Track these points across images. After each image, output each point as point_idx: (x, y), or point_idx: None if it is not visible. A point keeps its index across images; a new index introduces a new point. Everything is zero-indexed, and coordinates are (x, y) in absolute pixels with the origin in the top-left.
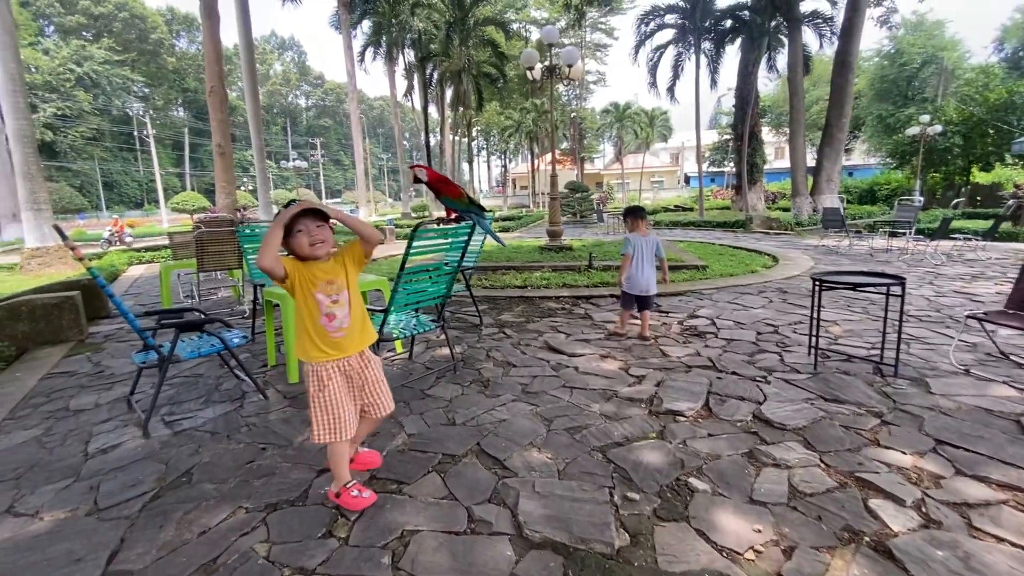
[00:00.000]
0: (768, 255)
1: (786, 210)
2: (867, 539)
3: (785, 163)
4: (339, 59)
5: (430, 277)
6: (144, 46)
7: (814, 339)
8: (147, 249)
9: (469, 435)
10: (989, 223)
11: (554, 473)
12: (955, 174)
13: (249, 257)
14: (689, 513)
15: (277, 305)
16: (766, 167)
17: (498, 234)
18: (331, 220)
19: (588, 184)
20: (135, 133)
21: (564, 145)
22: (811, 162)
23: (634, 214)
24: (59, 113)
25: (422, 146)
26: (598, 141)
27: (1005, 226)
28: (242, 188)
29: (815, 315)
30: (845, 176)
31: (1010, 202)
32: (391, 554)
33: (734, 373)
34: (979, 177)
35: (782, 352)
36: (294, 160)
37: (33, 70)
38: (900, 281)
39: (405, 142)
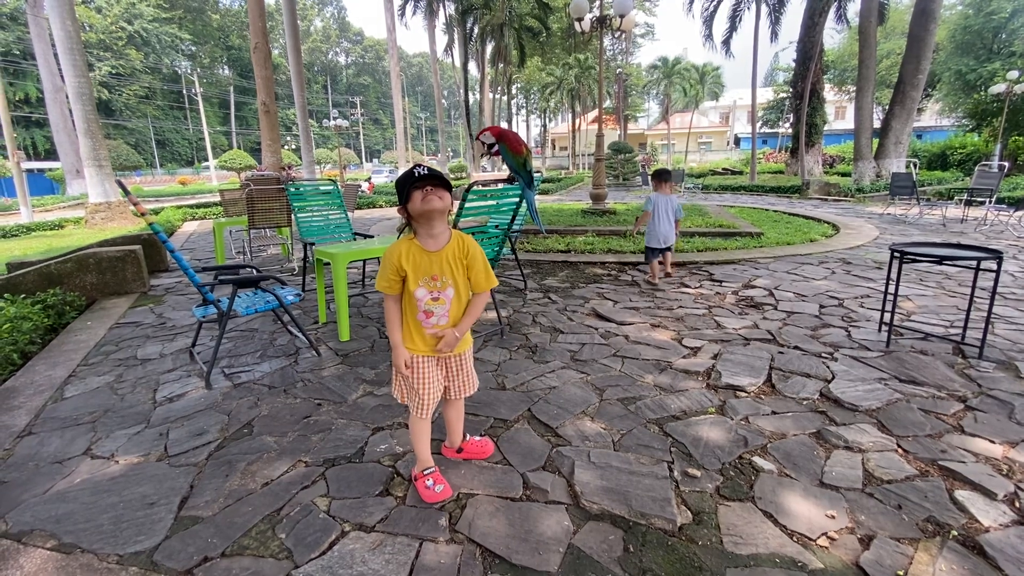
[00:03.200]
0: (828, 223)
1: (845, 175)
2: (954, 532)
3: (845, 124)
4: (379, 14)
5: (481, 240)
6: (190, 2)
7: (887, 314)
8: (199, 205)
9: (519, 400)
10: None
11: (609, 444)
12: None
13: (298, 215)
14: (755, 493)
15: (328, 264)
16: (825, 128)
17: (538, 196)
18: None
19: (631, 145)
20: (184, 91)
21: (608, 104)
22: (876, 123)
23: (658, 176)
24: (113, 72)
25: (460, 104)
26: (643, 99)
27: None
28: (285, 147)
29: (893, 289)
30: (913, 139)
31: None
32: (448, 516)
33: (797, 348)
34: None
35: (849, 327)
36: (335, 119)
37: (88, 28)
38: (996, 255)
39: (444, 100)
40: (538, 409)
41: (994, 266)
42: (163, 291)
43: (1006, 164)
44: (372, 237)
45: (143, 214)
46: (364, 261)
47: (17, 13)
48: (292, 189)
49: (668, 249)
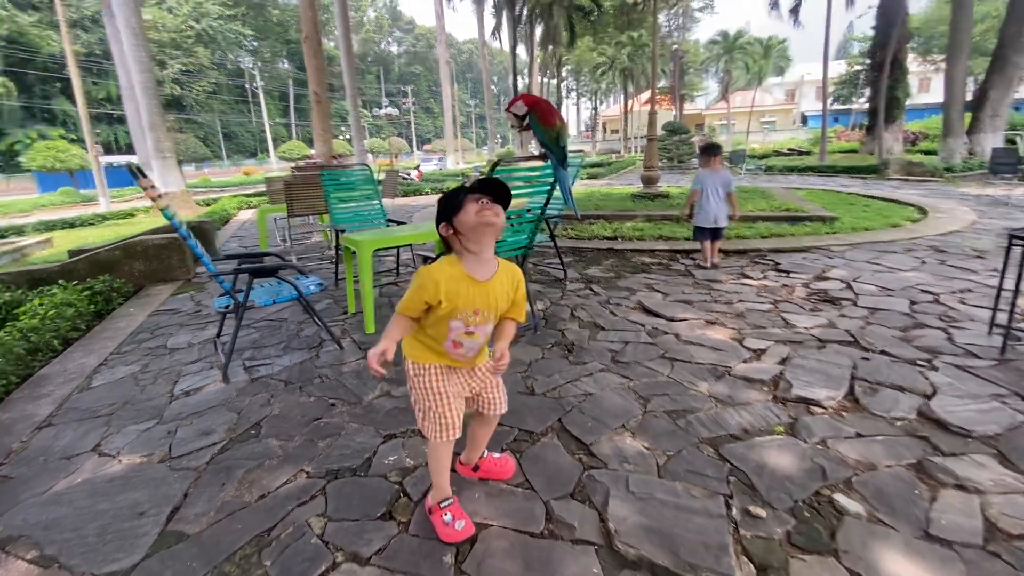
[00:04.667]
0: (913, 206)
1: (930, 153)
2: None
3: (928, 98)
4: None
5: (511, 224)
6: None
7: (999, 313)
8: (255, 195)
9: (549, 409)
10: None
11: (652, 468)
12: None
13: (332, 203)
14: (838, 545)
15: (355, 252)
16: (907, 103)
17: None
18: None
19: (687, 125)
20: (247, 86)
21: (663, 83)
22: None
23: (706, 151)
24: (184, 69)
25: (510, 90)
26: (701, 78)
27: None
28: (340, 137)
29: (1012, 283)
30: (1011, 112)
31: None
32: (455, 551)
33: (885, 353)
34: None
35: (949, 328)
36: (386, 108)
37: (160, 28)
38: None
39: (493, 86)
40: (570, 420)
41: None
42: (206, 278)
43: None
44: (405, 224)
45: (154, 199)
46: (398, 248)
47: (98, 16)
48: (326, 175)
49: (719, 231)
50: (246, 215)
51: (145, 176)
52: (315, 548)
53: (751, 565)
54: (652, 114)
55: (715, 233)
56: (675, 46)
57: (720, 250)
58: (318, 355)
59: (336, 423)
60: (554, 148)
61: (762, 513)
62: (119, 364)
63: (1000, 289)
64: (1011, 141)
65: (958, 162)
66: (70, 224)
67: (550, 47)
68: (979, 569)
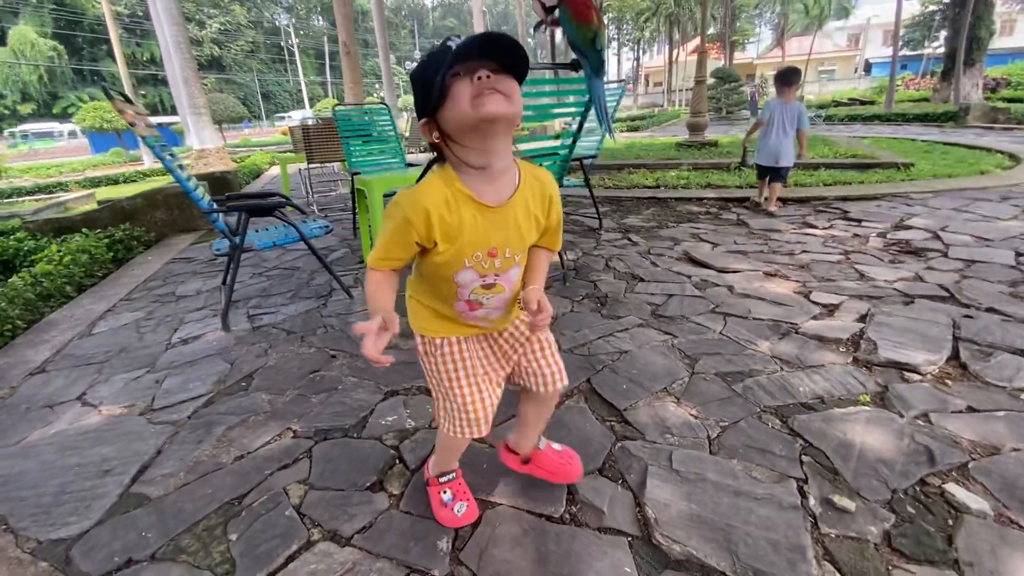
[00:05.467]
0: (1003, 152)
1: (1014, 101)
2: None
3: (1012, 41)
4: None
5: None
6: None
7: None
8: (289, 151)
9: (577, 367)
10: None
11: (703, 442)
12: None
13: (348, 146)
14: (959, 553)
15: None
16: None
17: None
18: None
19: (739, 73)
20: (283, 44)
21: (712, 30)
22: None
23: (782, 78)
24: (222, 28)
25: (546, 42)
26: (753, 24)
27: None
28: (373, 95)
29: None
30: None
31: None
32: (452, 536)
33: (992, 310)
34: None
35: None
36: (415, 62)
37: None
38: None
39: (529, 39)
40: (601, 381)
41: None
42: None
43: None
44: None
45: (132, 124)
46: None
47: None
48: (339, 113)
49: (781, 172)
50: (276, 170)
51: (122, 98)
52: (288, 522)
53: (838, 573)
54: (703, 53)
55: (775, 173)
56: None
57: (779, 199)
58: (326, 304)
59: (334, 376)
60: (590, 52)
61: (850, 506)
62: (125, 311)
63: None
64: None
65: None
66: (114, 181)
67: None
68: None
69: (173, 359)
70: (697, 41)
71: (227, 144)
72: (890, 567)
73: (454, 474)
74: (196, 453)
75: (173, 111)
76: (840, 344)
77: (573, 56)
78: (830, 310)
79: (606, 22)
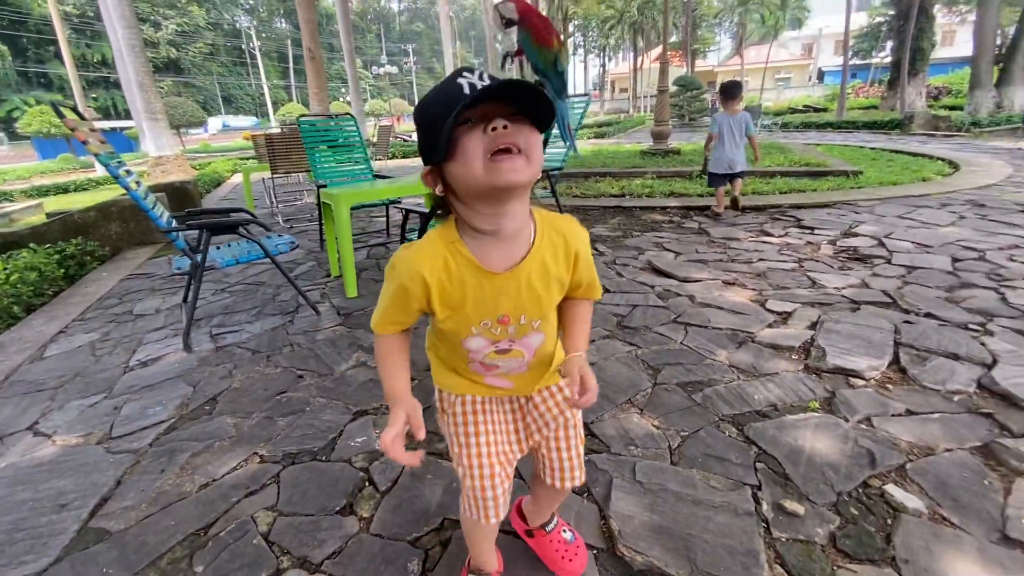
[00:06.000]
0: (943, 160)
1: (954, 108)
2: None
3: (952, 52)
4: None
5: None
6: None
7: None
8: (251, 157)
9: None
10: None
11: (664, 452)
12: None
13: (313, 157)
14: (896, 551)
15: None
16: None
17: (589, 141)
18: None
19: (700, 80)
20: (244, 46)
21: (674, 38)
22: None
23: (725, 92)
24: (179, 30)
25: (514, 46)
26: (713, 32)
27: None
28: (340, 99)
29: None
30: None
31: None
32: (423, 556)
33: (931, 316)
34: None
35: (1000, 288)
36: (384, 66)
37: None
38: None
39: (497, 44)
40: None
41: None
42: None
43: None
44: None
45: (72, 129)
46: (387, 206)
47: None
48: (304, 123)
49: (738, 176)
50: (239, 178)
51: (75, 114)
52: (257, 550)
53: None
54: (664, 63)
55: (732, 178)
56: None
57: (736, 205)
58: (292, 321)
59: (301, 398)
60: (552, 74)
61: (800, 510)
62: (79, 332)
63: None
64: None
65: (984, 116)
66: (63, 189)
67: (556, 0)
68: None
69: (132, 383)
70: (660, 49)
71: (187, 150)
72: (835, 567)
73: (490, 572)
74: (159, 483)
75: (127, 115)
76: (792, 352)
77: (536, 79)
78: (784, 318)
79: (572, 29)
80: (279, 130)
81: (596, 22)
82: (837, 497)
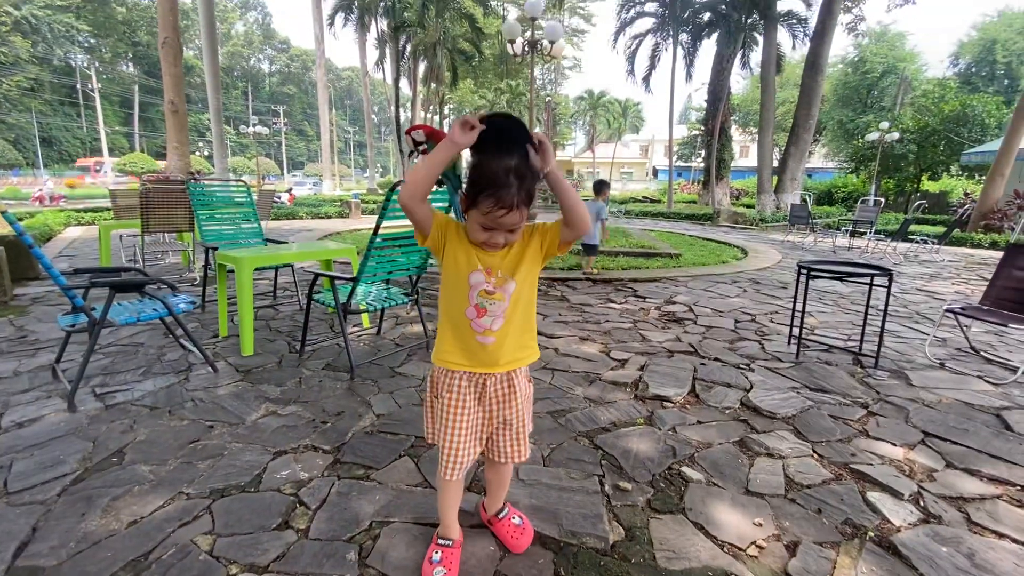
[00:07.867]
0: (737, 247)
1: (750, 206)
2: (870, 534)
3: (748, 162)
4: (307, 24)
5: (400, 248)
6: None
7: (795, 328)
8: (88, 210)
9: None
10: (939, 228)
11: (539, 459)
12: (907, 181)
13: (201, 219)
14: (685, 505)
15: (232, 271)
16: (732, 164)
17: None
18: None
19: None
20: (78, 86)
21: (537, 130)
22: (775, 163)
23: (599, 188)
24: None
25: (391, 120)
26: (570, 128)
27: (956, 231)
28: (197, 153)
29: (801, 305)
30: (804, 178)
31: (967, 206)
32: (358, 549)
33: (717, 360)
34: (927, 185)
35: (762, 340)
36: (254, 125)
37: None
38: (887, 273)
39: (374, 116)
40: None
41: (886, 283)
42: (30, 301)
43: (882, 200)
44: (286, 243)
45: None
46: (276, 269)
47: None
48: (196, 190)
49: (592, 247)
50: (75, 232)
51: None
52: (204, 564)
53: (621, 527)
54: None
55: (590, 249)
56: (548, 98)
57: (590, 279)
58: (187, 378)
59: (216, 444)
60: (451, 175)
61: (628, 487)
62: None
63: (793, 310)
64: (804, 200)
65: (769, 214)
66: None
67: (433, 84)
68: (781, 511)
69: (13, 443)
70: None
71: None
72: (649, 519)
73: (452, 542)
74: (82, 525)
75: None
76: (627, 386)
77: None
78: (622, 363)
79: (447, 112)
80: (143, 183)
81: (470, 108)
82: (652, 477)
